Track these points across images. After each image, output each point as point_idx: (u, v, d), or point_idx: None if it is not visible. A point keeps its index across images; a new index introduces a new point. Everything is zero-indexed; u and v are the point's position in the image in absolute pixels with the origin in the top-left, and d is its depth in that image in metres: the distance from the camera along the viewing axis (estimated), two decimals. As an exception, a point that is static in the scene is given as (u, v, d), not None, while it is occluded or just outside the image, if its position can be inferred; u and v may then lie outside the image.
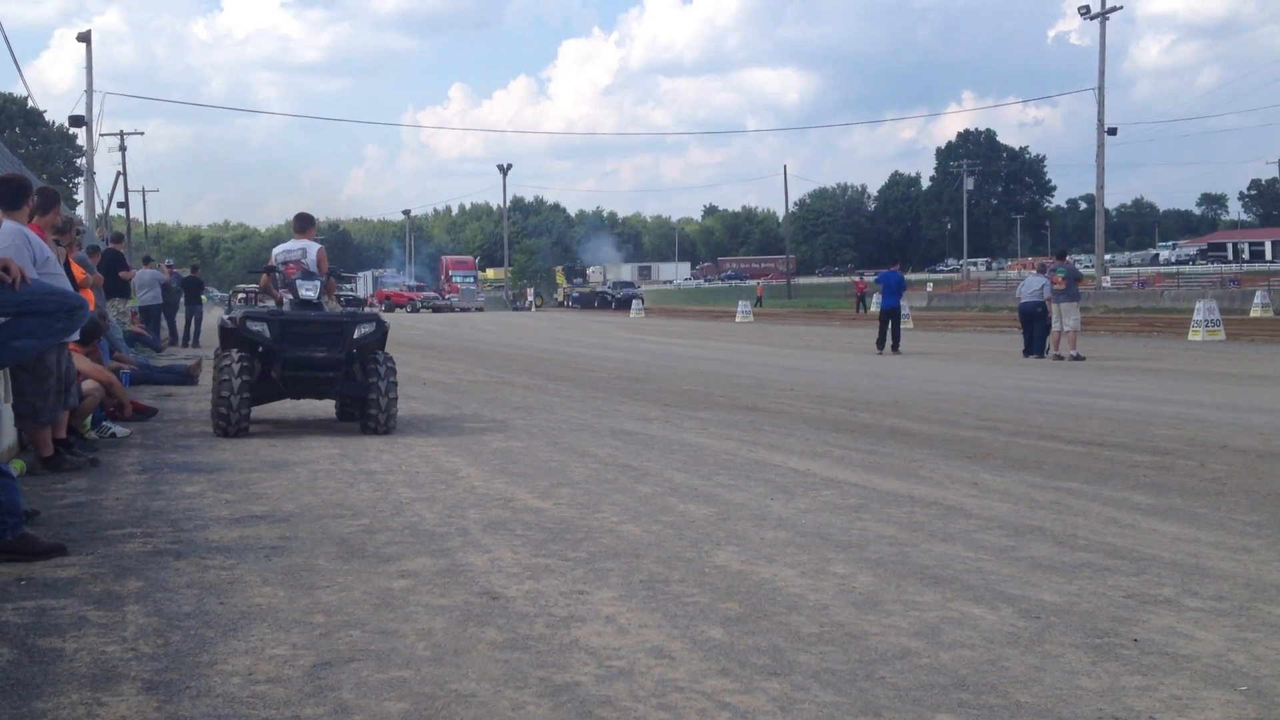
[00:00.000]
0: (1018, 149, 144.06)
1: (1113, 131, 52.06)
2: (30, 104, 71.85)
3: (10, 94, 74.83)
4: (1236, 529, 5.81)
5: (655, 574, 4.82)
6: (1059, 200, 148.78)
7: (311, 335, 9.40)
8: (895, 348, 22.67)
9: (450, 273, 75.97)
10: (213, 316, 19.50)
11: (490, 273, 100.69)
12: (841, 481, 7.22)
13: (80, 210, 43.72)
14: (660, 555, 5.17)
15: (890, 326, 22.91)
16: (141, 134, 73.55)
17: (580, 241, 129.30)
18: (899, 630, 4.04)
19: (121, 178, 64.86)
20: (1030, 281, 21.86)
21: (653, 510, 6.23)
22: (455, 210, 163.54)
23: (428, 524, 5.85)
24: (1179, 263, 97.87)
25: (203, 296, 28.10)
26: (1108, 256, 72.60)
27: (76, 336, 7.78)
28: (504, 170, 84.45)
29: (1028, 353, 21.04)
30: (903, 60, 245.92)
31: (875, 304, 37.31)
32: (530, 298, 77.39)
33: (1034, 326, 21.15)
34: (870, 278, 52.90)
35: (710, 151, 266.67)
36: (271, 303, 10.34)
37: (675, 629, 4.04)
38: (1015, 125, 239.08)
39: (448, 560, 5.05)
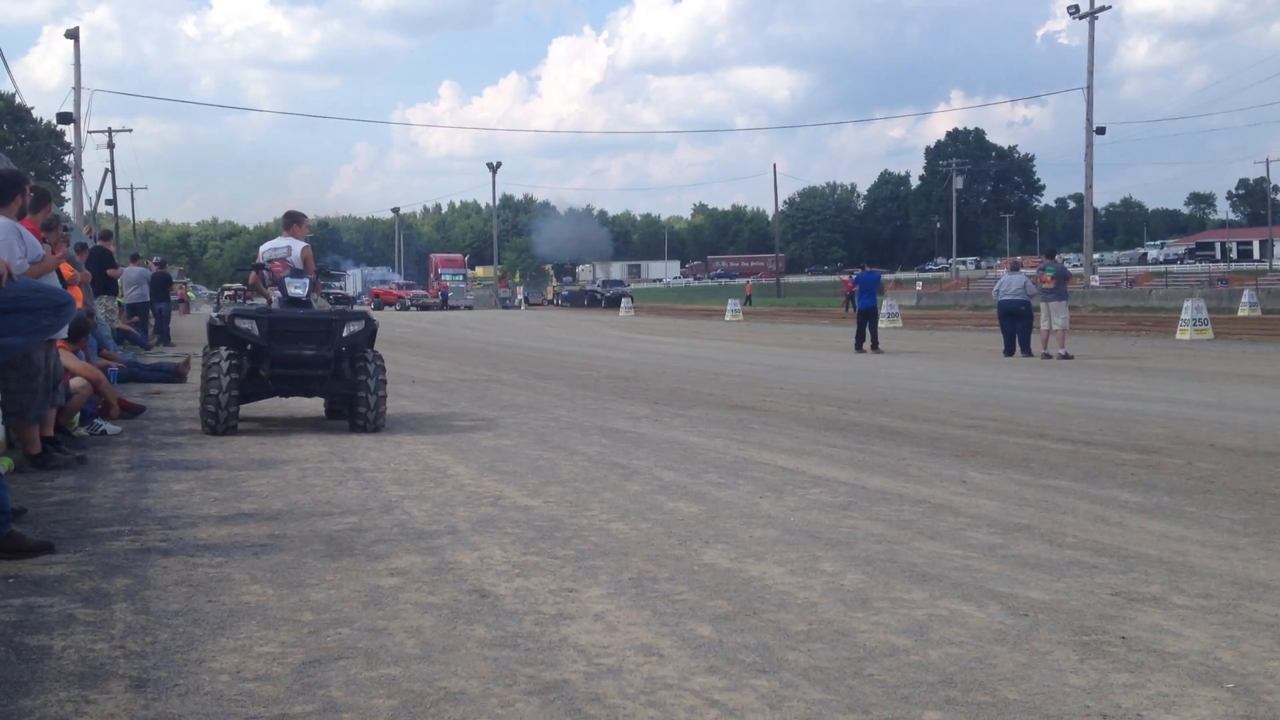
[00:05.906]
0: (1006, 148, 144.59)
1: (1101, 131, 52.28)
2: (18, 100, 71.57)
3: (-2, 90, 74.53)
4: (1224, 527, 5.84)
5: (644, 572, 4.83)
6: (1048, 199, 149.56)
7: (300, 333, 9.39)
8: (875, 347, 22.68)
9: (440, 271, 75.99)
10: (201, 315, 19.45)
11: (480, 270, 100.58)
12: (830, 480, 7.23)
13: (68, 207, 43.53)
14: (649, 553, 5.17)
15: (868, 326, 22.96)
16: (130, 131, 72.78)
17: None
18: (887, 628, 4.05)
19: (110, 175, 64.63)
20: (1009, 280, 21.51)
21: (642, 508, 6.24)
22: (445, 208, 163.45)
23: (417, 522, 5.84)
24: (1167, 262, 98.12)
25: (172, 292, 27.60)
26: (1096, 255, 72.92)
27: (64, 334, 7.76)
28: (493, 168, 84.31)
29: (1009, 352, 20.97)
30: (892, 59, 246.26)
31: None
32: (520, 296, 77.32)
33: (1014, 325, 21.13)
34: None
35: (699, 150, 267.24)
36: (261, 300, 10.32)
37: (664, 626, 4.05)
38: (1004, 124, 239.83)
39: (437, 558, 5.04)
